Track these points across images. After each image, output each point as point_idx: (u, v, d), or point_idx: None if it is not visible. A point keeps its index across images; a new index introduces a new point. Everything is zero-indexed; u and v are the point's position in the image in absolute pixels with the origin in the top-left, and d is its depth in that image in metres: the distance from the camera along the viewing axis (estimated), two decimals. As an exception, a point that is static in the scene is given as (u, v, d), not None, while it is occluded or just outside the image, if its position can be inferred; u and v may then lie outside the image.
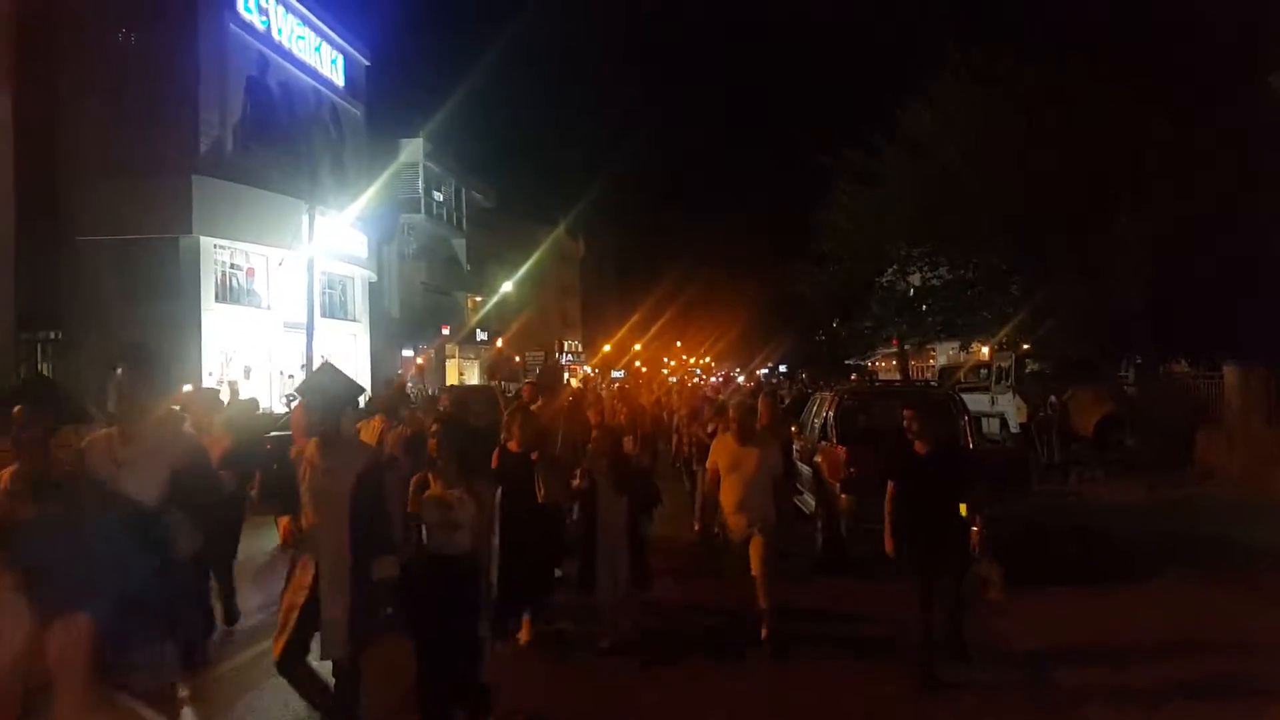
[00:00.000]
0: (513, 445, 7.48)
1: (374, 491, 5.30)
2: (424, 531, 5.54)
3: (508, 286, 50.52)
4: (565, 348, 70.32)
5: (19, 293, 24.59)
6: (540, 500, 7.39)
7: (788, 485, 8.63)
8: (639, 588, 7.67)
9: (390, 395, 9.44)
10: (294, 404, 15.26)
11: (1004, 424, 22.50)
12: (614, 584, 7.42)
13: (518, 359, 53.07)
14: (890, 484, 6.82)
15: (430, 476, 5.61)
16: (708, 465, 7.89)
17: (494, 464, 7.33)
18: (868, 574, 9.19)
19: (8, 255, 24.59)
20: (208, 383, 25.27)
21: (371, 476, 5.31)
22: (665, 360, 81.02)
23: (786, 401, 19.00)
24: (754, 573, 7.38)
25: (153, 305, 25.85)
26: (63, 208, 26.72)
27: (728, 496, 7.60)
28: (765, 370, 69.39)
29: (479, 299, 51.81)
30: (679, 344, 77.95)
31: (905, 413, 6.85)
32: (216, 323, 27.59)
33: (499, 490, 7.25)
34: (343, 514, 5.13)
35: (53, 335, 26.87)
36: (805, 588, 9.13)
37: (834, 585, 9.78)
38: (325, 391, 5.51)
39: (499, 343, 51.72)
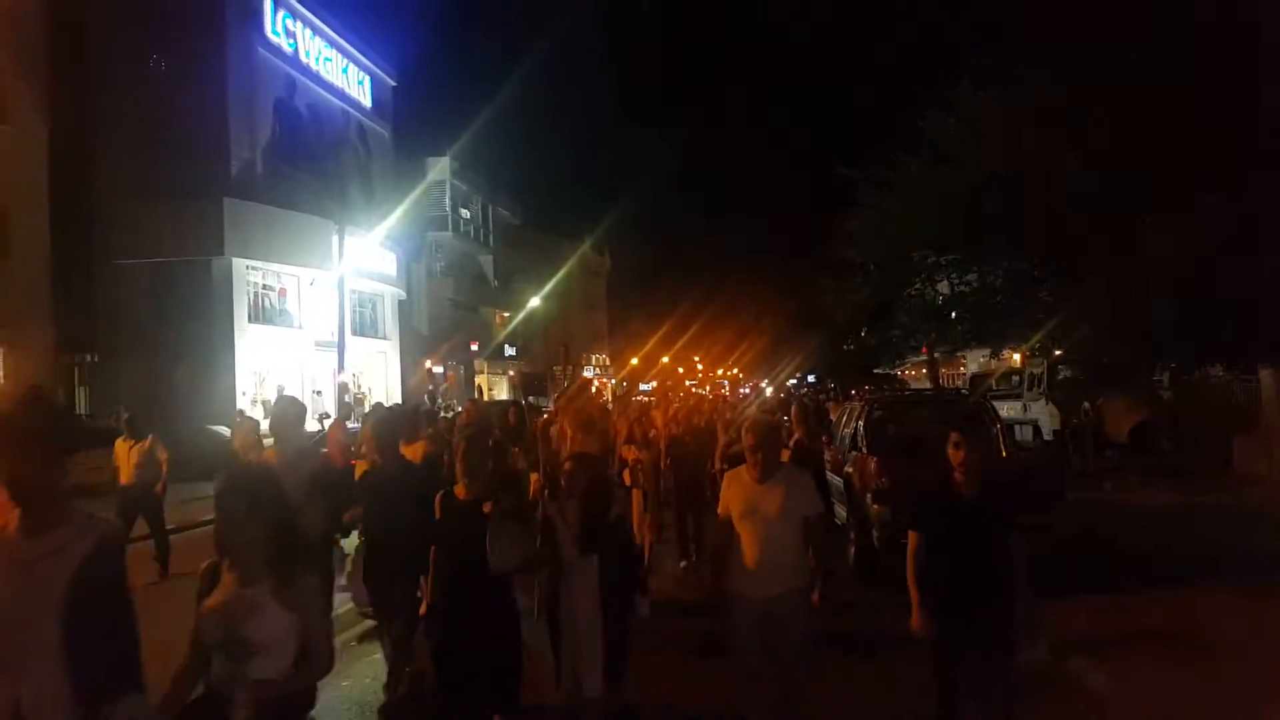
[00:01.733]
0: (460, 490, 5.31)
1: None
2: None
3: (535, 302, 50.81)
4: (592, 361, 70.48)
5: (57, 316, 25.02)
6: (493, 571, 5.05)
7: (823, 525, 5.69)
8: (611, 687, 5.33)
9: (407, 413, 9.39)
10: (329, 422, 15.41)
11: (1037, 431, 22.30)
12: (575, 682, 5.30)
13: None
14: (912, 535, 5.07)
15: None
16: (718, 511, 5.43)
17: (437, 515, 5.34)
18: (900, 586, 9.14)
19: (45, 279, 25.05)
20: (241, 402, 25.58)
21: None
22: (689, 367, 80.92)
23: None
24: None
25: (187, 326, 26.25)
26: (97, 232, 27.20)
27: (743, 554, 5.23)
28: (794, 380, 69.20)
29: (506, 315, 52.10)
30: (696, 359, 77.66)
31: (952, 436, 4.90)
32: (250, 343, 27.95)
33: (431, 555, 5.36)
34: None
35: (90, 358, 27.32)
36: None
37: (865, 613, 8.57)
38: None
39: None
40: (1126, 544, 12.17)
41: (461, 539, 5.05)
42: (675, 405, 15.80)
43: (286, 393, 24.06)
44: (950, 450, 4.87)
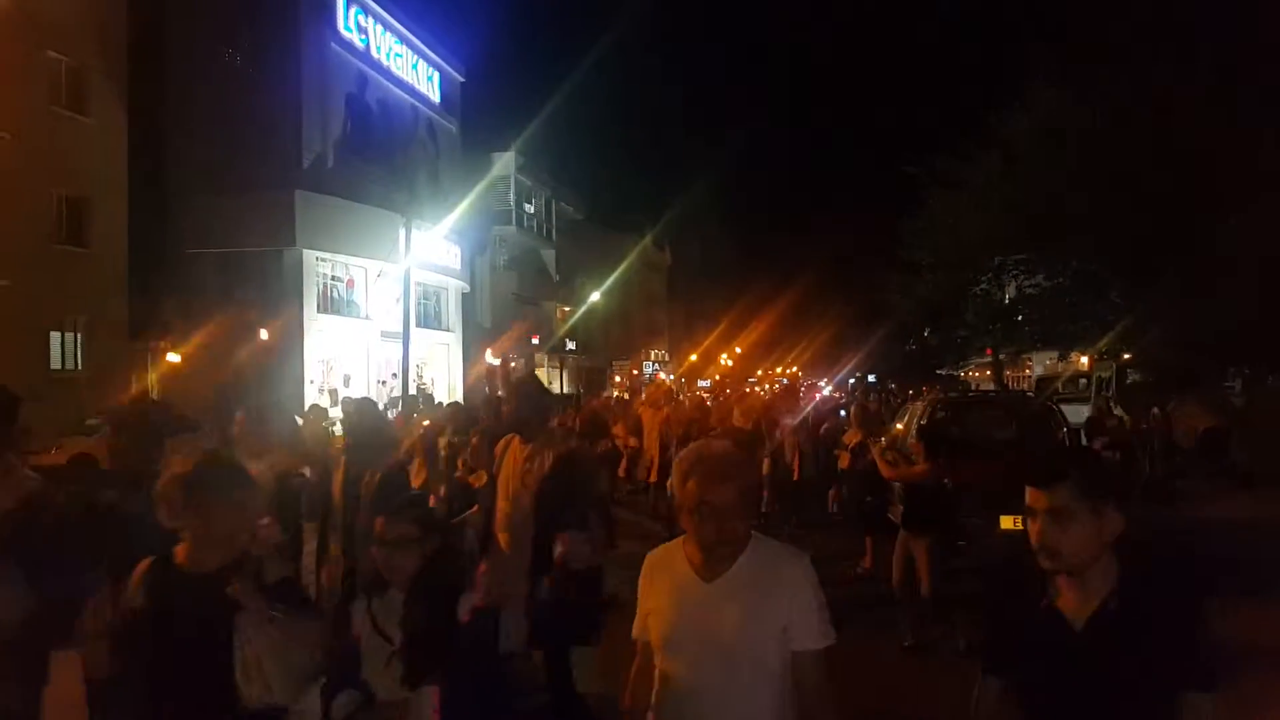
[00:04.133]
0: (182, 552, 3.13)
1: None
2: None
3: (596, 297, 51.01)
4: (652, 357, 70.58)
5: (132, 303, 25.78)
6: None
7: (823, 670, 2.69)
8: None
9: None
10: (395, 414, 15.75)
11: (1104, 436, 21.92)
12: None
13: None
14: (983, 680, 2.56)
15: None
16: (634, 625, 2.87)
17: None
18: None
19: (121, 268, 25.82)
20: (309, 390, 26.11)
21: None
22: (748, 364, 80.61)
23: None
24: None
25: (258, 316, 26.81)
26: (173, 222, 27.94)
27: (672, 711, 2.74)
28: (853, 379, 68.51)
29: (567, 309, 52.38)
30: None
31: (1028, 495, 2.38)
32: (318, 332, 28.50)
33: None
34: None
35: (162, 345, 28.11)
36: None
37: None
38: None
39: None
40: (1196, 553, 11.93)
41: (174, 646, 2.88)
42: (669, 406, 15.40)
43: (361, 395, 24.55)
44: (1030, 526, 2.36)
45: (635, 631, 2.85)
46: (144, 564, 3.04)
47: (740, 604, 2.63)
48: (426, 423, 9.86)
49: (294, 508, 5.86)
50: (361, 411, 6.49)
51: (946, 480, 7.79)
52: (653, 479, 13.38)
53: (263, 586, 2.92)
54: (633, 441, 14.88)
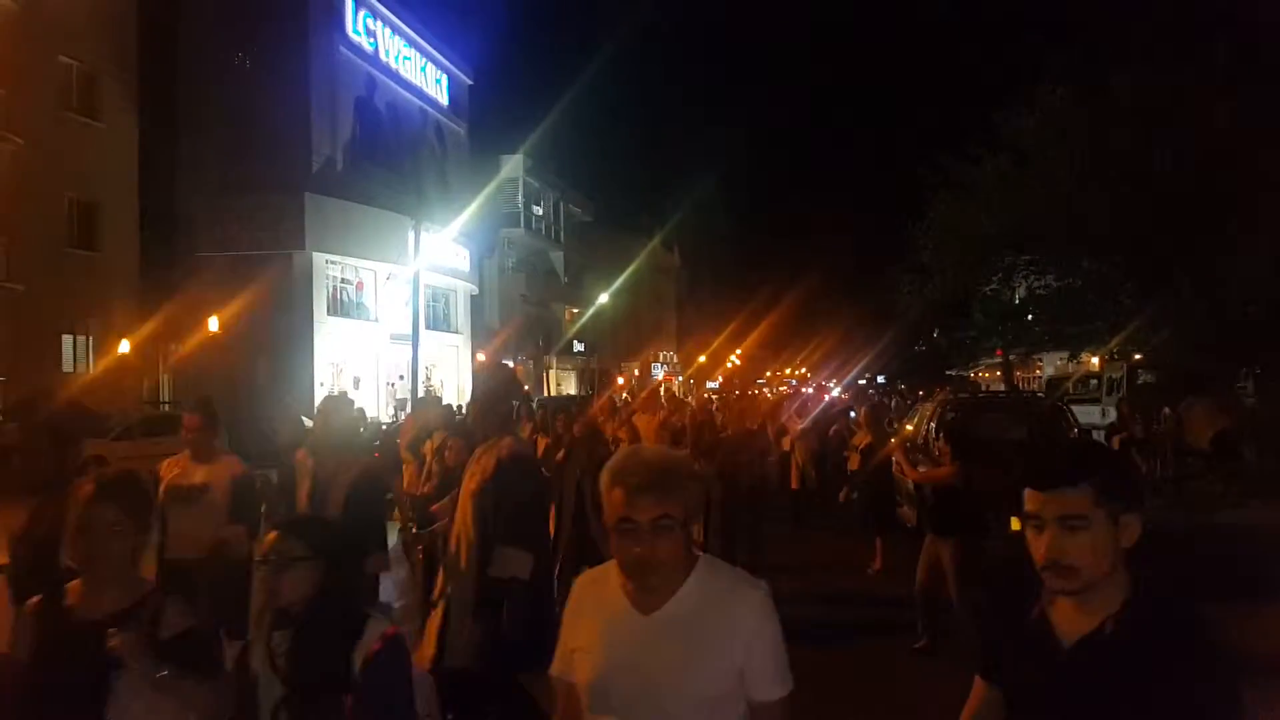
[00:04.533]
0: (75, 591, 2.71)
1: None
2: None
3: (604, 299, 51.06)
4: (660, 359, 70.54)
5: (143, 306, 25.89)
6: None
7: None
8: None
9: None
10: (404, 414, 15.75)
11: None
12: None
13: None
14: (979, 683, 2.25)
15: None
16: (552, 663, 2.37)
17: None
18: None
19: (133, 270, 25.94)
20: (319, 393, 26.15)
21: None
22: (756, 366, 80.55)
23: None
24: None
25: (268, 319, 26.89)
26: (183, 225, 28.06)
27: None
28: (863, 380, 68.42)
29: (576, 311, 52.41)
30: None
31: (1033, 534, 1.96)
32: (328, 335, 28.59)
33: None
34: None
35: (174, 347, 28.23)
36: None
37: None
38: None
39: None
40: (1206, 554, 11.87)
41: (44, 706, 2.52)
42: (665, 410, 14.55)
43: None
44: (1034, 538, 1.97)
45: (554, 669, 2.35)
46: (32, 603, 2.63)
47: (683, 643, 2.15)
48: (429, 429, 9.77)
49: (251, 517, 5.34)
50: (329, 411, 5.59)
51: (972, 482, 7.56)
52: None
53: (156, 639, 2.46)
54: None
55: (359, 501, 4.95)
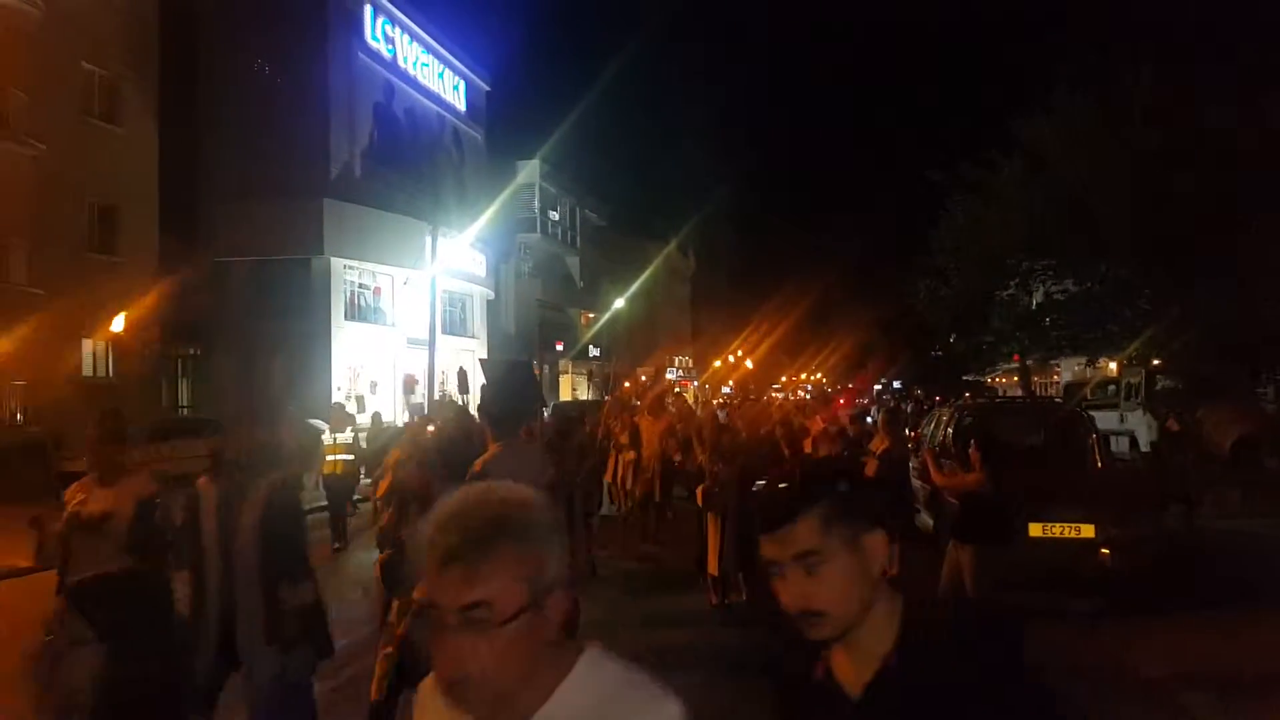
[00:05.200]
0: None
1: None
2: None
3: (620, 303, 51.09)
4: (675, 363, 70.48)
5: (161, 311, 26.03)
6: None
7: None
8: None
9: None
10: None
11: (1134, 443, 21.69)
12: None
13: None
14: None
15: None
16: None
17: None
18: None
19: (152, 275, 26.10)
20: (337, 397, 26.25)
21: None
22: (773, 370, 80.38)
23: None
24: None
25: (286, 323, 27.02)
26: (202, 230, 28.23)
27: None
28: (879, 385, 68.25)
29: (592, 315, 52.46)
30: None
31: (779, 583, 1.70)
32: (345, 339, 28.71)
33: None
34: None
35: (192, 352, 28.40)
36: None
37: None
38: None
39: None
40: (1227, 562, 11.78)
41: None
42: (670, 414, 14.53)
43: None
44: (780, 587, 1.71)
45: None
46: None
47: None
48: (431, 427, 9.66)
49: (152, 545, 4.60)
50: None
51: (999, 488, 7.47)
52: (657, 497, 12.77)
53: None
54: (629, 455, 13.34)
55: (276, 517, 4.34)
